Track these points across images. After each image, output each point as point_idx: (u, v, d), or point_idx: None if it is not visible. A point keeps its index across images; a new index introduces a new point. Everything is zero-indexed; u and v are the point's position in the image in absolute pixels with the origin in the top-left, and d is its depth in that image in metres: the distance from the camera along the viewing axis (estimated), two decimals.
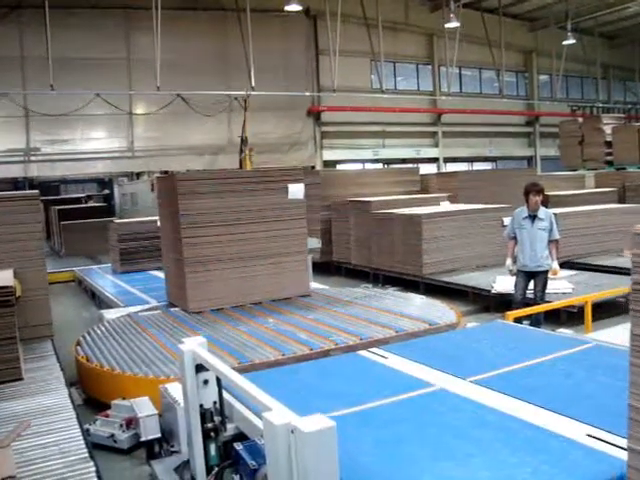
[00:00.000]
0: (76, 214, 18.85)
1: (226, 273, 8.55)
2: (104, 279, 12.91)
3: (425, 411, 3.79)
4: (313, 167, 23.88)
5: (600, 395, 3.81)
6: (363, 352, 5.30)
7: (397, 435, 3.46)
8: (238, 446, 3.60)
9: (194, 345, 3.87)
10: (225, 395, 3.96)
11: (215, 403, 3.85)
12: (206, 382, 3.84)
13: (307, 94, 24.29)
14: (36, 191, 8.08)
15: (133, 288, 11.30)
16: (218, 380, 3.82)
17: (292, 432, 2.56)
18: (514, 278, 8.11)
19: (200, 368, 3.83)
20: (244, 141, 20.06)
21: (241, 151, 20.03)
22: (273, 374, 4.92)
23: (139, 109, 21.50)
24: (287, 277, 9.00)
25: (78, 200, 23.71)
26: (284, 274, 8.96)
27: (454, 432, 3.44)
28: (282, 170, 9.38)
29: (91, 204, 23.04)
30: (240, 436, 3.83)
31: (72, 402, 5.30)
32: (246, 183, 8.62)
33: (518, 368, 4.49)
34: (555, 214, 8.48)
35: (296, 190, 8.79)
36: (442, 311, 7.80)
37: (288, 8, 21.91)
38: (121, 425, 5.07)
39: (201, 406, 3.83)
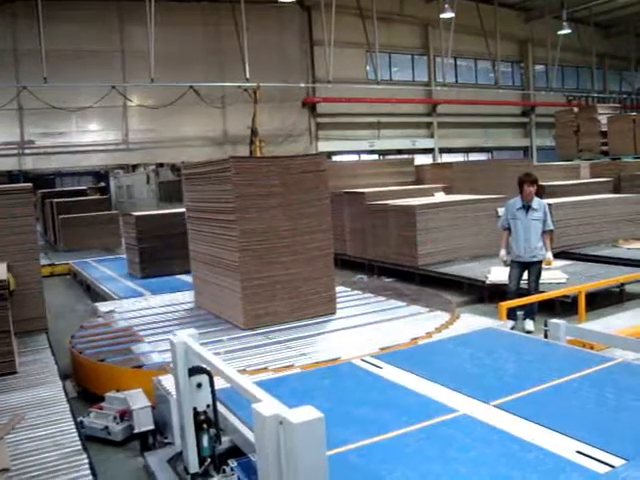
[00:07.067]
0: (74, 207, 18.57)
1: None
2: (123, 286, 10.73)
3: (451, 444, 3.52)
4: None
5: (637, 424, 3.60)
6: (357, 361, 5.18)
7: (424, 476, 3.22)
8: (232, 463, 3.62)
9: (185, 337, 3.87)
10: (221, 408, 3.96)
11: (208, 406, 3.86)
12: (199, 385, 3.83)
13: (302, 85, 24.26)
14: (29, 184, 8.03)
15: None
16: (211, 381, 3.83)
17: (281, 423, 2.56)
18: (508, 269, 8.12)
19: (193, 371, 3.83)
20: (254, 132, 20.12)
21: (251, 142, 20.12)
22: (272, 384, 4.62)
23: (133, 101, 21.43)
24: None
25: (79, 193, 23.27)
26: None
27: (486, 470, 3.22)
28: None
29: (94, 197, 22.62)
30: (235, 450, 3.84)
31: (66, 395, 5.30)
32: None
33: (542, 390, 4.23)
34: (550, 204, 8.48)
35: None
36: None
37: None
38: (115, 417, 5.07)
39: (194, 409, 3.84)
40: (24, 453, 4.13)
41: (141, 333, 7.02)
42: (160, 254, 11.03)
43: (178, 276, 10.89)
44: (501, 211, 8.60)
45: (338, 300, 7.74)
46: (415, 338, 6.12)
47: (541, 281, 8.08)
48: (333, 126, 25.75)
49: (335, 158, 25.00)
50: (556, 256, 8.94)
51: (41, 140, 20.77)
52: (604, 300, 8.70)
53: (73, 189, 25.05)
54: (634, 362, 4.76)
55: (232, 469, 3.60)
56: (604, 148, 21.22)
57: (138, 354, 6.18)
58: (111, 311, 8.32)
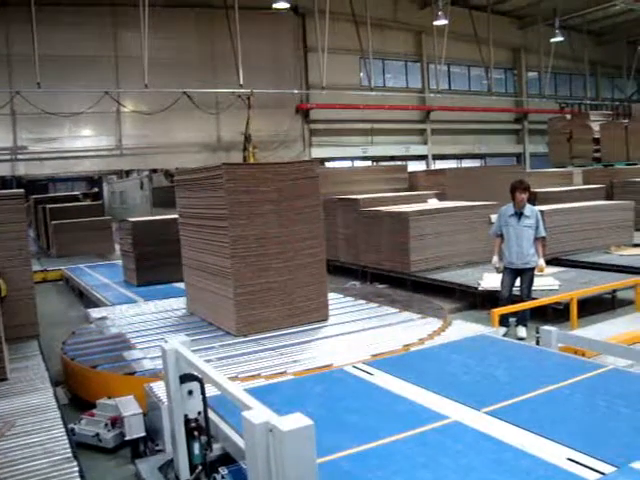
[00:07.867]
0: (67, 213, 18.39)
1: None
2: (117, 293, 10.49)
3: (442, 451, 3.52)
4: None
5: (627, 431, 3.61)
6: (348, 368, 5.18)
7: None
8: (223, 470, 3.62)
9: (176, 344, 3.86)
10: (212, 416, 3.95)
11: (200, 413, 3.85)
12: (191, 392, 3.83)
13: (295, 92, 24.29)
14: (22, 190, 7.99)
15: None
16: (202, 388, 3.83)
17: (271, 431, 2.56)
18: (501, 275, 8.14)
19: (184, 379, 3.83)
20: (248, 138, 20.15)
21: (245, 148, 20.13)
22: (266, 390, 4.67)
23: (127, 107, 21.41)
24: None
25: (72, 198, 23.04)
26: None
27: (477, 477, 3.22)
28: None
29: (87, 202, 22.43)
30: (226, 457, 3.84)
31: (57, 402, 5.27)
32: None
33: (533, 397, 4.23)
34: (542, 211, 8.51)
35: None
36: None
37: (276, 6, 21.94)
38: (106, 424, 5.05)
39: (186, 416, 3.83)
40: (14, 461, 4.11)
41: (133, 340, 7.00)
42: (157, 261, 10.66)
43: (176, 284, 10.22)
44: (494, 218, 8.62)
45: (331, 306, 7.75)
46: (407, 345, 6.12)
47: (533, 288, 8.10)
48: (326, 132, 25.78)
49: (328, 164, 25.03)
50: (548, 263, 8.96)
51: (34, 145, 20.71)
52: (596, 307, 8.72)
53: (66, 195, 24.94)
54: (625, 369, 4.77)
55: (223, 476, 3.60)
56: (596, 155, 21.36)
57: (130, 361, 6.15)
58: (103, 317, 8.28)
